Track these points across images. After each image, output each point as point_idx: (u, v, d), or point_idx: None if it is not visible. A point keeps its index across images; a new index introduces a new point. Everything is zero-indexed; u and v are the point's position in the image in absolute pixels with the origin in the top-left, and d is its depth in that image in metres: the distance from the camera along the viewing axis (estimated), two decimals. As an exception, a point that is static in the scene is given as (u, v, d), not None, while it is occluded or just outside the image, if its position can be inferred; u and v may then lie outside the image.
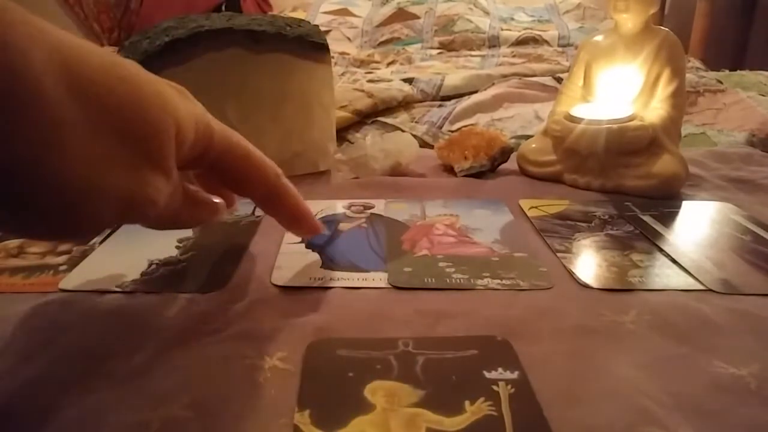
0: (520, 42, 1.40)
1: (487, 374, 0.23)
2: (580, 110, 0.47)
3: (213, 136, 0.25)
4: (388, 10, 1.62)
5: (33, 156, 0.17)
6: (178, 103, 0.22)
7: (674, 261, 0.33)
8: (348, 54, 1.33)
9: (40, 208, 0.19)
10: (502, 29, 1.46)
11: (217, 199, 0.29)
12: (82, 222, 0.20)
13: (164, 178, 0.22)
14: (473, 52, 1.31)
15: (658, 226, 0.38)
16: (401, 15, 1.58)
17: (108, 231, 0.37)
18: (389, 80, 0.86)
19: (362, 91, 0.74)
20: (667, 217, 0.40)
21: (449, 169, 0.52)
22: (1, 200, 0.18)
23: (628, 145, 0.44)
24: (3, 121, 0.16)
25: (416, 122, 0.71)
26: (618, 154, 0.45)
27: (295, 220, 0.30)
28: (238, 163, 0.26)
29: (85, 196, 0.19)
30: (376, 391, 0.22)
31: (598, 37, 0.49)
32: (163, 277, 0.31)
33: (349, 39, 1.52)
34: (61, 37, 0.18)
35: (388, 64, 1.23)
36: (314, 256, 0.34)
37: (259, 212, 0.41)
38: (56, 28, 0.18)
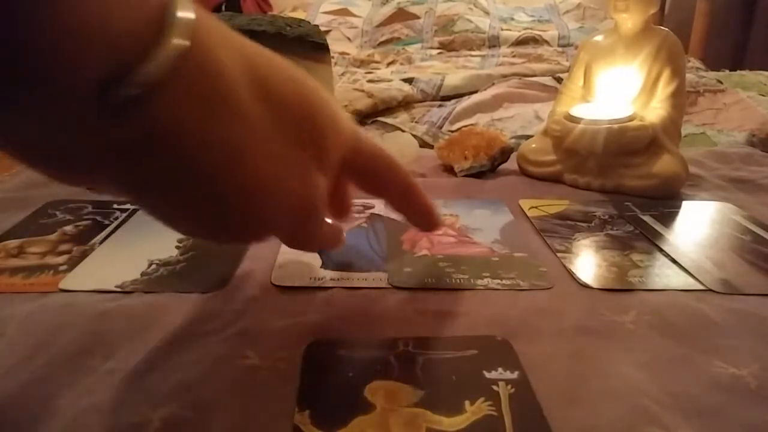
0: (520, 42, 1.40)
1: (487, 374, 0.23)
2: (580, 110, 0.47)
3: (361, 142, 0.25)
4: (388, 10, 1.62)
5: (232, 154, 0.18)
6: (337, 111, 0.23)
7: (674, 261, 0.33)
8: (348, 54, 1.33)
9: (231, 207, 0.19)
10: (502, 29, 1.46)
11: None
12: (261, 221, 0.21)
13: (325, 181, 0.23)
14: (473, 52, 1.31)
15: (658, 226, 0.38)
16: (401, 15, 1.58)
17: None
18: (389, 80, 0.86)
19: (362, 91, 0.74)
20: (667, 217, 0.40)
21: (449, 169, 0.52)
22: (195, 200, 0.19)
23: (628, 145, 0.44)
24: (210, 121, 0.17)
25: (416, 122, 0.71)
26: (618, 154, 0.45)
27: (423, 215, 0.31)
28: (381, 168, 0.27)
29: (271, 192, 0.20)
30: (376, 391, 0.22)
31: (598, 37, 0.49)
32: (163, 277, 0.31)
33: (349, 39, 1.52)
34: (244, 43, 0.19)
35: (388, 64, 1.23)
36: (314, 256, 0.34)
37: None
38: (232, 31, 0.19)
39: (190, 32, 0.16)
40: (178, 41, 0.15)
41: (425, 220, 0.31)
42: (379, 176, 0.28)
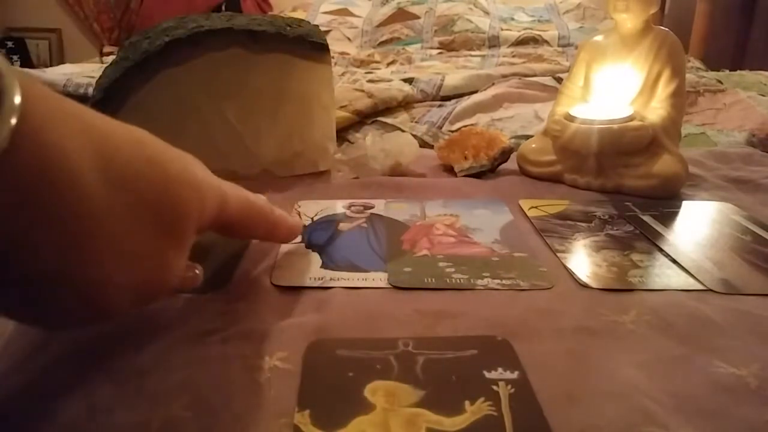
0: (520, 42, 1.40)
1: (487, 374, 0.23)
2: (579, 110, 0.47)
3: (227, 202, 0.24)
4: (388, 10, 1.62)
5: (70, 243, 0.16)
6: (201, 177, 0.22)
7: (674, 261, 0.33)
8: (348, 54, 1.33)
9: (60, 299, 0.17)
10: (502, 29, 1.46)
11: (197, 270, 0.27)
12: (100, 311, 0.19)
13: (182, 259, 0.21)
14: (473, 52, 1.31)
15: (658, 226, 0.38)
16: (401, 15, 1.58)
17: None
18: (389, 80, 0.86)
19: (362, 91, 0.74)
20: (667, 217, 0.40)
21: (449, 169, 0.52)
22: (22, 295, 0.17)
23: (628, 145, 0.44)
24: (39, 217, 0.15)
25: (416, 122, 0.71)
26: (618, 154, 0.45)
27: (290, 237, 0.32)
28: (247, 217, 0.27)
29: (106, 291, 0.18)
30: (376, 391, 0.22)
31: (598, 37, 0.49)
32: (163, 277, 0.31)
33: (349, 39, 1.52)
34: (87, 117, 0.17)
35: (388, 64, 1.23)
36: (314, 256, 0.34)
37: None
38: (78, 105, 0.17)
39: (15, 116, 0.14)
40: (5, 123, 0.14)
41: (290, 238, 0.32)
42: (246, 224, 0.27)
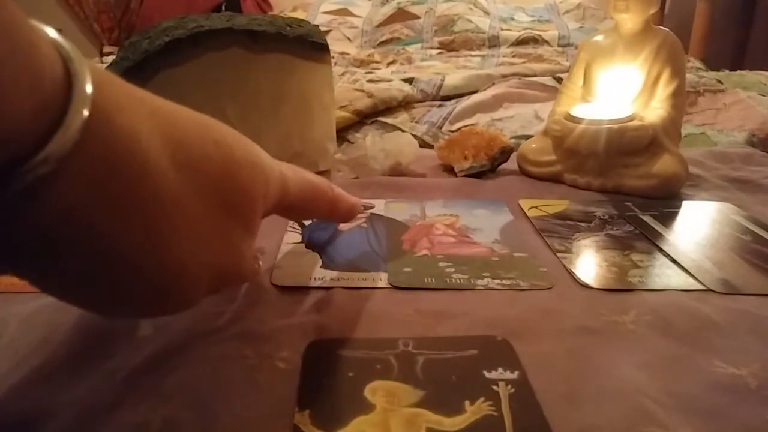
0: (520, 42, 1.40)
1: (487, 374, 0.23)
2: (579, 110, 0.47)
3: (288, 182, 0.24)
4: (388, 10, 1.62)
5: (150, 229, 0.16)
6: (265, 160, 0.22)
7: (674, 261, 0.33)
8: (348, 54, 1.33)
9: (139, 287, 0.17)
10: (502, 29, 1.46)
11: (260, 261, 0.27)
12: (179, 297, 0.19)
13: (251, 242, 0.21)
14: (473, 52, 1.31)
15: (658, 226, 0.38)
16: (401, 15, 1.58)
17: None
18: (389, 80, 0.86)
19: (362, 91, 0.74)
20: (667, 217, 0.40)
21: (449, 169, 0.52)
22: (101, 280, 0.16)
23: (628, 145, 0.44)
24: (116, 204, 0.15)
25: (416, 122, 0.71)
26: (618, 154, 0.45)
27: (349, 215, 0.31)
28: (308, 198, 0.27)
29: (184, 274, 0.18)
30: (376, 391, 0.22)
31: (598, 37, 0.49)
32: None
33: (349, 39, 1.52)
34: (153, 101, 0.17)
35: (388, 64, 1.23)
36: (314, 256, 0.34)
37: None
38: (142, 90, 0.17)
39: (87, 107, 0.14)
40: (78, 114, 0.14)
41: (350, 217, 0.32)
42: (307, 205, 0.27)
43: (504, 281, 0.31)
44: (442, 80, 0.85)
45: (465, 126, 0.66)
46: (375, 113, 0.72)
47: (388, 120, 0.70)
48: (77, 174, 0.14)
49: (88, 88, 0.14)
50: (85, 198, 0.15)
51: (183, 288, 0.18)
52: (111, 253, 0.16)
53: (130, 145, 0.15)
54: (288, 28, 0.46)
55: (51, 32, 0.15)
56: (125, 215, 0.16)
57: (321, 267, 0.33)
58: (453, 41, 1.42)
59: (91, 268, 0.16)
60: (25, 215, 0.14)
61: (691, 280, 0.31)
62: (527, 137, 0.56)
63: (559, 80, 0.82)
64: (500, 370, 0.23)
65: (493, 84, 0.84)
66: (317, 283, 0.31)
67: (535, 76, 0.89)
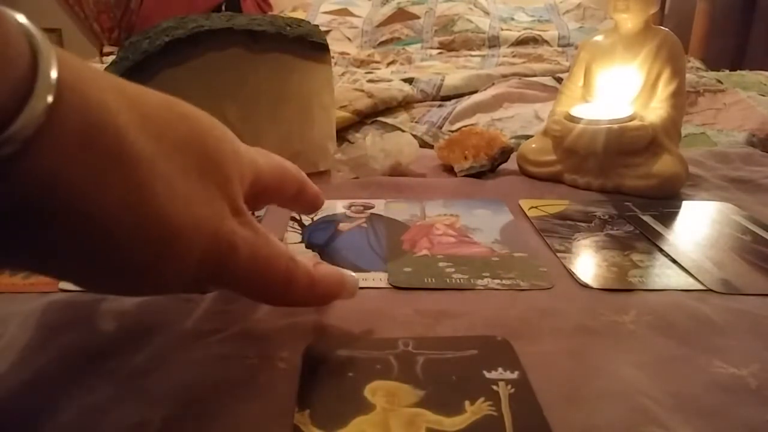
0: (520, 42, 1.40)
1: (487, 374, 0.23)
2: (579, 110, 0.47)
3: (260, 164, 0.24)
4: (388, 10, 1.62)
5: (125, 199, 0.17)
6: (230, 134, 0.22)
7: (674, 261, 0.33)
8: (348, 54, 1.33)
9: (128, 256, 0.18)
10: (502, 29, 1.47)
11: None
12: (167, 270, 0.19)
13: (237, 219, 0.21)
14: (473, 52, 1.31)
15: (658, 226, 0.38)
16: (401, 15, 1.58)
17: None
18: (389, 80, 0.86)
19: (362, 91, 0.74)
20: (667, 217, 0.40)
21: (449, 169, 0.52)
22: (92, 248, 0.17)
23: (628, 145, 0.44)
24: (96, 170, 0.16)
25: (416, 122, 0.71)
26: (618, 154, 0.45)
27: (313, 204, 0.31)
28: (280, 178, 0.27)
29: (175, 233, 0.18)
30: (376, 391, 0.22)
31: (598, 37, 0.49)
32: (163, 277, 0.31)
33: (349, 39, 1.52)
34: (118, 79, 0.18)
35: (388, 64, 1.23)
36: (314, 256, 0.34)
37: (258, 212, 0.41)
38: (110, 74, 0.18)
39: (52, 91, 0.15)
40: (42, 100, 0.15)
41: (315, 205, 0.32)
42: (280, 185, 0.27)
43: (504, 281, 0.31)
44: (442, 80, 0.85)
45: (465, 126, 0.66)
46: (375, 113, 0.72)
47: (388, 120, 0.70)
48: (54, 147, 0.15)
49: (53, 74, 0.15)
50: (65, 168, 0.16)
51: (174, 253, 0.19)
52: (98, 217, 0.17)
53: (101, 115, 0.16)
54: (288, 28, 0.46)
55: (20, 18, 0.15)
56: (106, 180, 0.16)
57: (321, 267, 0.32)
58: (453, 41, 1.42)
59: (82, 237, 0.17)
60: (3, 190, 0.15)
61: (691, 280, 0.31)
62: (527, 137, 0.56)
63: (559, 80, 0.82)
64: (500, 370, 0.23)
65: (493, 84, 0.84)
66: (317, 283, 0.30)
67: (535, 76, 0.89)
